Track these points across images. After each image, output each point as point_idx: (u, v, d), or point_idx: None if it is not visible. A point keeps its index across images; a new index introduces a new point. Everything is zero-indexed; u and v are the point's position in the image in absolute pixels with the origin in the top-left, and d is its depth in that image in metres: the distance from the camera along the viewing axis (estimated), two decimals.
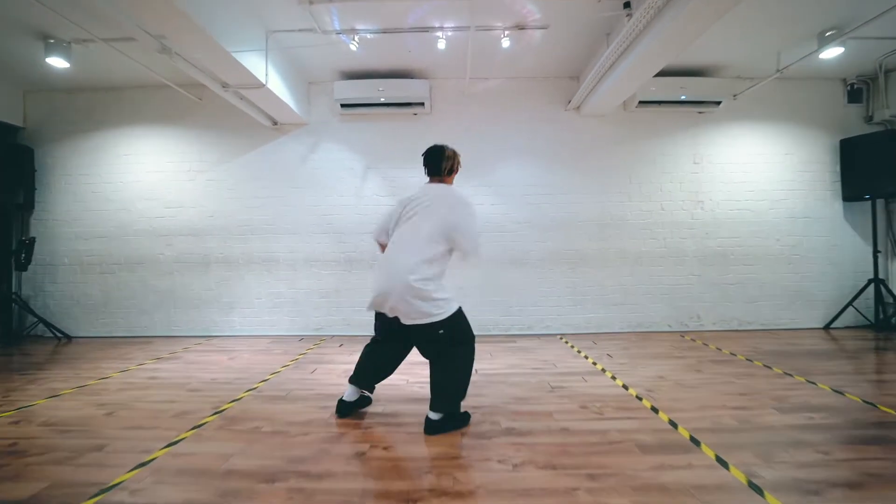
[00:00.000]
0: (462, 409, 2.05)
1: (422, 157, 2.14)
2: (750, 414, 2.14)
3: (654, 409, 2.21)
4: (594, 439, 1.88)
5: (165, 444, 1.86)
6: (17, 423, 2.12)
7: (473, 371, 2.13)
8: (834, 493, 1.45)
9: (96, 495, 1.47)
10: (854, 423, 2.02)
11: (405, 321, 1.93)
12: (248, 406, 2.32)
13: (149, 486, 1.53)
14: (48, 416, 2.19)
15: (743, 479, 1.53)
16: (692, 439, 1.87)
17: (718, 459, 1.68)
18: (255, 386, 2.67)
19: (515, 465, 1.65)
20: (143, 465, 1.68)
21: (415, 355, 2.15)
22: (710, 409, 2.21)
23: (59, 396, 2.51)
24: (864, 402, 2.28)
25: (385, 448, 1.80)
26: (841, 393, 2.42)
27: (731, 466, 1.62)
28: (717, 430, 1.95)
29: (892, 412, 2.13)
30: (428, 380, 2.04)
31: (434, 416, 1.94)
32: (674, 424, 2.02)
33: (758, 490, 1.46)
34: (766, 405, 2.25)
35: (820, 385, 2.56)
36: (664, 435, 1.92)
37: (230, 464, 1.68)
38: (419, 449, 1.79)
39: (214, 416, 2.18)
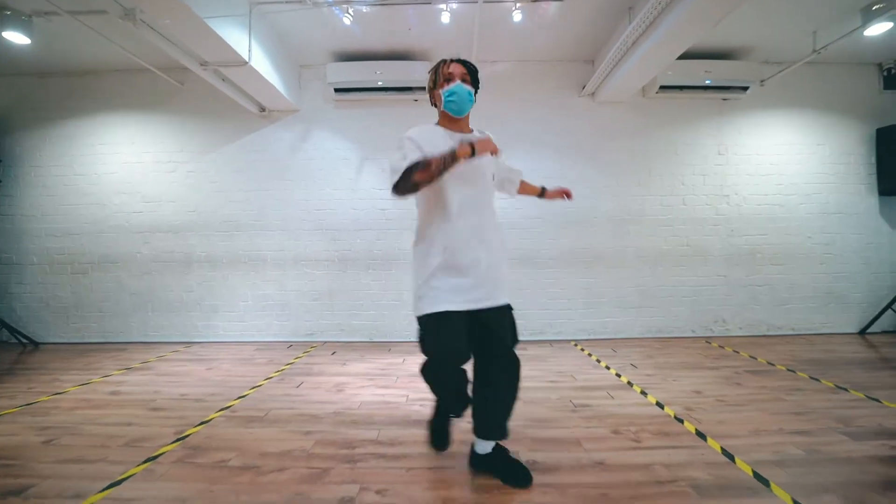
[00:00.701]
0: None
1: None
2: (816, 441, 1.79)
3: (701, 435, 1.86)
4: (637, 477, 1.52)
5: (107, 483, 1.50)
6: None
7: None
8: None
9: None
10: None
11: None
12: (216, 430, 1.95)
13: None
14: None
15: None
16: (756, 476, 1.52)
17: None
18: (230, 404, 2.30)
19: None
20: None
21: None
22: (766, 435, 1.86)
23: None
24: None
25: (378, 491, 1.44)
26: None
27: None
28: (783, 464, 1.60)
29: None
30: (429, 398, 1.67)
31: (488, 447, 1.52)
32: (730, 456, 1.67)
33: None
34: (831, 428, 1.90)
35: (885, 402, 2.21)
36: (721, 470, 1.56)
37: None
38: (422, 493, 1.44)
39: (175, 443, 1.82)
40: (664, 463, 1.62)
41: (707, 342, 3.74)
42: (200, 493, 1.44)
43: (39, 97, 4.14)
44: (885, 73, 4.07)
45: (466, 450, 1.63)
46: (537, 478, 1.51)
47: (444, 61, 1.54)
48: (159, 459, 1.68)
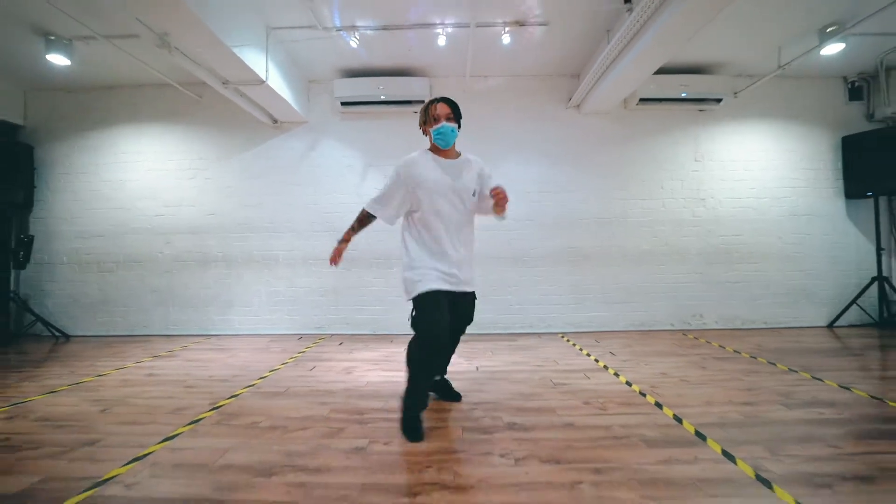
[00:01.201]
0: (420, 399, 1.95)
1: None
2: (756, 409, 2.11)
3: (659, 405, 2.18)
4: (598, 434, 1.84)
5: (161, 438, 1.83)
6: (10, 418, 2.09)
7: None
8: (845, 487, 1.41)
9: (89, 489, 1.44)
10: (864, 418, 1.98)
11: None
12: (245, 402, 2.28)
13: (144, 479, 1.50)
14: (43, 412, 2.16)
15: (750, 473, 1.50)
16: (698, 434, 1.83)
17: (725, 453, 1.64)
18: (254, 383, 2.63)
19: (518, 460, 1.61)
20: (137, 459, 1.65)
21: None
22: (716, 405, 2.17)
23: (54, 393, 2.47)
24: (873, 397, 2.24)
25: (385, 443, 1.77)
26: (848, 389, 2.38)
27: (738, 460, 1.59)
28: (723, 425, 1.92)
29: None
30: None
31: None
32: (678, 419, 1.99)
33: (766, 483, 1.43)
34: (773, 401, 2.22)
35: (827, 381, 2.52)
36: (669, 430, 1.88)
37: (227, 458, 1.65)
38: (420, 444, 1.76)
39: (212, 411, 2.15)
40: (622, 424, 1.94)
41: (684, 334, 4.05)
42: (240, 444, 1.77)
43: (69, 110, 4.50)
44: (849, 86, 4.40)
45: (455, 415, 1.95)
46: (515, 434, 1.83)
47: (433, 102, 1.91)
48: (201, 422, 2.01)
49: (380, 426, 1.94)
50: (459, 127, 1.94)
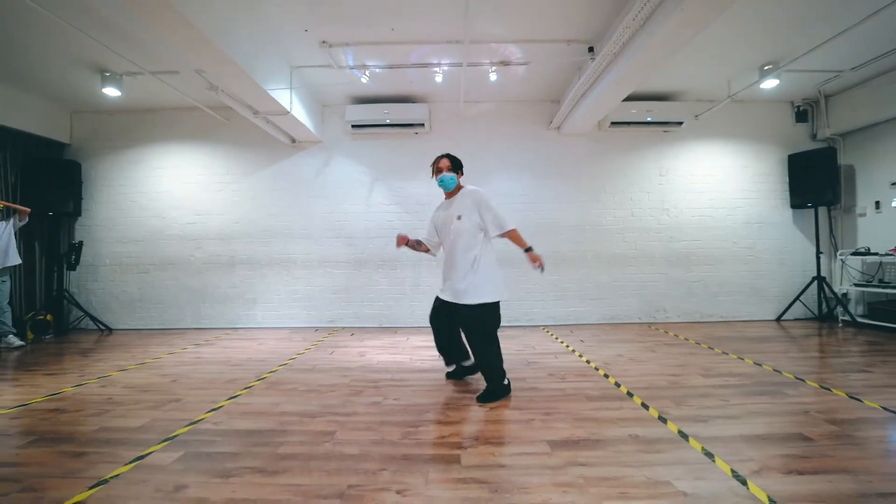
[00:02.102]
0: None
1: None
2: (679, 378, 2.73)
3: (606, 376, 2.80)
4: (554, 393, 2.46)
5: (227, 397, 2.44)
6: (104, 386, 2.70)
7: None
8: (717, 422, 2.03)
9: (188, 425, 2.05)
10: (758, 383, 2.60)
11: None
12: (283, 375, 2.89)
13: (224, 420, 2.11)
14: (127, 382, 2.77)
15: (655, 415, 2.12)
16: (628, 394, 2.45)
17: (643, 405, 2.26)
18: (286, 362, 3.25)
19: (492, 408, 2.23)
20: (214, 409, 2.26)
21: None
22: (650, 377, 2.79)
23: (126, 370, 3.08)
24: (774, 370, 2.86)
25: (395, 399, 2.38)
26: (760, 365, 3.00)
27: (650, 408, 2.21)
28: (649, 388, 2.54)
29: (791, 376, 2.71)
30: (428, 358, 2.62)
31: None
32: (618, 385, 2.61)
33: (664, 420, 2.05)
34: (695, 373, 2.84)
35: (746, 360, 3.15)
36: (607, 391, 2.50)
37: (281, 408, 2.26)
38: (422, 399, 2.38)
39: (259, 381, 2.76)
40: (573, 388, 2.56)
41: (649, 326, 4.68)
42: (287, 399, 2.38)
43: (110, 130, 5.11)
44: (796, 110, 5.04)
45: (448, 384, 2.58)
46: None
47: (437, 158, 2.52)
48: (253, 388, 2.62)
49: (391, 389, 2.56)
50: (461, 174, 2.53)
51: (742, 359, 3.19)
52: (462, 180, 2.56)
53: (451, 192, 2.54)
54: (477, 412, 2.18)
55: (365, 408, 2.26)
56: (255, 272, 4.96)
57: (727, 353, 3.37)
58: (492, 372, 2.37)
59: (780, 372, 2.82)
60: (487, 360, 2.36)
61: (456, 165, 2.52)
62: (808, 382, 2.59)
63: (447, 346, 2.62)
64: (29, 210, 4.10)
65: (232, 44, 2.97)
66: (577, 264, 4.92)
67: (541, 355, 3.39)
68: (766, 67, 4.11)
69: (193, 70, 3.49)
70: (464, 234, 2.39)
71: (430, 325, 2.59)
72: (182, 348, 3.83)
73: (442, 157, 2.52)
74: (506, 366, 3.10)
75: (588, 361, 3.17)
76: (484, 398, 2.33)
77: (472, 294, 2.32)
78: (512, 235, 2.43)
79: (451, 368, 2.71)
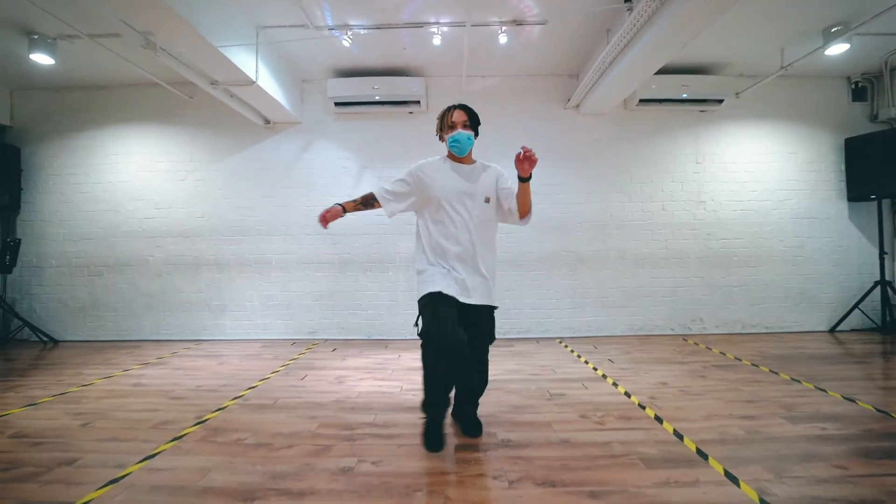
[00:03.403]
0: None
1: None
2: (758, 424, 2.04)
3: (658, 419, 2.11)
4: (596, 452, 1.77)
5: (141, 457, 1.75)
6: None
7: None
8: None
9: None
10: (869, 434, 1.92)
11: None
12: (232, 416, 2.21)
13: None
14: (21, 427, 2.08)
15: (754, 497, 1.43)
16: (699, 452, 1.77)
17: (727, 474, 1.58)
18: (242, 394, 2.56)
19: (512, 482, 1.54)
20: (115, 481, 1.57)
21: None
22: (717, 419, 2.11)
23: (35, 405, 2.40)
24: (878, 410, 2.18)
25: (374, 463, 1.70)
26: (853, 401, 2.32)
27: (741, 482, 1.52)
28: (724, 442, 1.85)
29: None
30: (419, 388, 1.92)
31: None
32: (679, 436, 1.92)
33: None
34: (775, 414, 2.15)
35: (830, 392, 2.46)
36: (669, 447, 1.82)
37: (208, 479, 1.58)
38: (411, 463, 1.69)
39: (196, 426, 2.07)
40: (621, 441, 1.87)
41: (684, 339, 3.99)
42: (222, 463, 1.70)
43: (56, 110, 4.40)
44: (853, 86, 4.32)
45: (447, 430, 1.88)
46: (509, 451, 1.77)
47: (449, 109, 1.87)
48: (184, 439, 1.93)
49: (369, 444, 1.87)
50: (477, 135, 1.90)
51: (823, 390, 2.50)
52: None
53: (465, 158, 1.90)
54: (491, 490, 1.50)
55: (328, 481, 1.57)
56: (223, 275, 4.27)
57: (798, 381, 2.69)
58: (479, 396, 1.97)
59: (888, 414, 2.13)
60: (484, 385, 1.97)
61: (475, 121, 1.89)
62: None
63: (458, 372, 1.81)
64: None
65: None
66: (598, 266, 4.23)
67: (565, 383, 2.70)
68: (833, 29, 3.39)
69: (125, 24, 2.78)
70: (491, 223, 1.93)
71: (438, 351, 1.69)
72: (124, 370, 3.15)
73: (455, 107, 1.87)
74: (523, 399, 2.44)
75: (627, 394, 2.48)
76: (477, 427, 1.90)
77: (491, 290, 1.88)
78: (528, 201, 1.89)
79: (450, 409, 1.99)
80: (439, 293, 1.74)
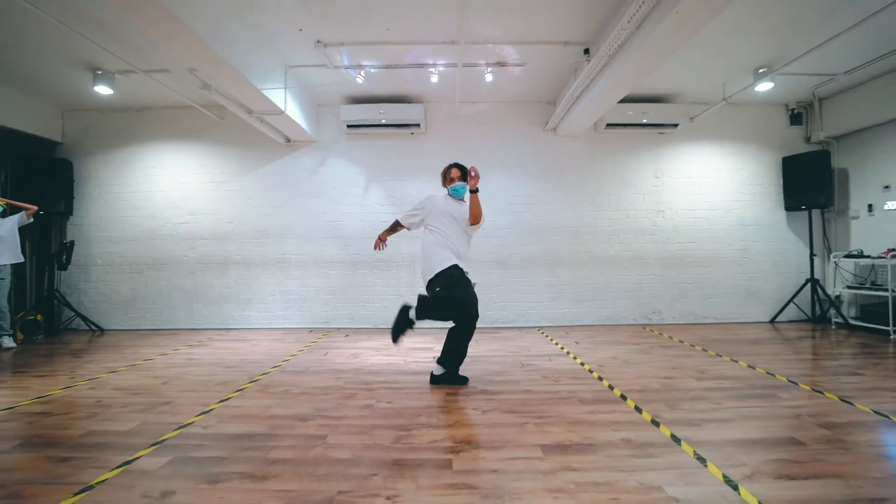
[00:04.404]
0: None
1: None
2: (673, 381, 2.73)
3: (600, 378, 2.79)
4: (547, 396, 2.45)
5: (218, 400, 2.42)
6: (93, 388, 2.66)
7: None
8: (710, 426, 2.03)
9: (178, 429, 2.02)
10: (750, 386, 2.61)
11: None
12: (275, 378, 2.87)
13: (215, 423, 2.09)
14: (117, 384, 2.74)
15: (648, 418, 2.11)
16: (622, 396, 2.45)
17: (636, 408, 2.26)
18: (279, 364, 3.22)
19: (485, 412, 2.22)
20: (205, 412, 2.23)
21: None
22: (644, 380, 2.79)
23: (116, 372, 3.05)
24: (767, 373, 2.87)
25: (388, 402, 2.37)
26: (753, 368, 3.01)
27: (643, 412, 2.20)
28: (642, 391, 2.54)
29: (785, 379, 2.72)
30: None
31: (437, 370, 2.70)
32: (611, 388, 2.61)
33: (656, 424, 2.04)
34: (689, 375, 2.84)
35: (740, 362, 3.16)
36: (601, 394, 2.50)
37: (272, 411, 2.24)
38: (415, 402, 2.36)
39: (251, 383, 2.73)
40: (567, 391, 2.55)
41: (644, 328, 4.68)
42: (279, 403, 2.36)
43: (102, 128, 5.05)
44: (790, 112, 5.06)
45: (442, 388, 2.57)
46: (485, 396, 2.44)
47: (449, 167, 2.77)
48: (244, 391, 2.59)
49: (384, 392, 2.54)
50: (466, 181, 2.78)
51: (736, 361, 3.20)
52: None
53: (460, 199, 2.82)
54: (470, 415, 2.17)
55: (357, 411, 2.24)
56: (249, 272, 4.93)
57: (721, 356, 3.38)
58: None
59: (773, 375, 2.83)
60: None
61: (465, 174, 2.78)
62: (801, 385, 2.59)
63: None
64: (35, 208, 4.02)
65: (225, 43, 2.95)
66: (572, 265, 4.92)
67: (535, 357, 3.38)
68: (760, 70, 4.12)
69: (186, 69, 3.45)
70: (468, 234, 2.84)
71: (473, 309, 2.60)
72: (174, 349, 3.80)
73: (453, 166, 2.78)
74: (500, 367, 3.11)
75: (582, 364, 3.17)
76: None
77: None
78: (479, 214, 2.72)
79: (439, 372, 2.72)
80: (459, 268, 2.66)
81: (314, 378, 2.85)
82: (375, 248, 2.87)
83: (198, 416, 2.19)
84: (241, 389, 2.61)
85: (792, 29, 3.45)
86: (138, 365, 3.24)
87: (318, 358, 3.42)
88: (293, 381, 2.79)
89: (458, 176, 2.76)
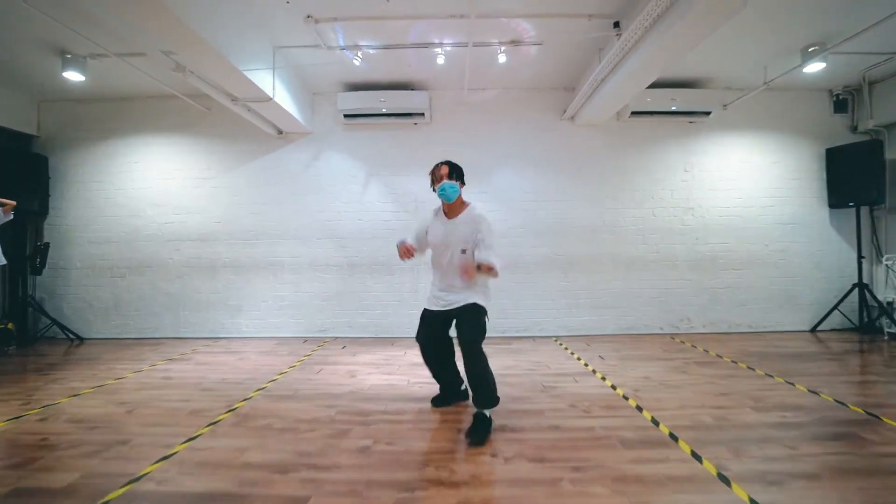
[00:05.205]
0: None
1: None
2: (727, 412, 2.29)
3: (639, 408, 2.37)
4: (580, 435, 2.03)
5: (185, 439, 2.02)
6: (44, 419, 2.28)
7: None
8: (794, 484, 1.60)
9: (126, 485, 1.63)
10: (822, 420, 2.17)
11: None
12: (258, 404, 2.47)
13: (173, 476, 1.69)
14: (73, 414, 2.35)
15: (713, 471, 1.68)
16: (671, 435, 2.02)
17: (693, 454, 1.83)
18: (264, 386, 2.82)
19: (507, 459, 1.80)
20: (166, 458, 1.84)
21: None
22: (691, 408, 2.36)
23: (80, 395, 2.67)
24: (836, 401, 2.43)
25: (388, 443, 1.96)
26: (816, 393, 2.57)
27: (704, 460, 1.77)
28: (695, 428, 2.11)
29: (861, 411, 2.28)
30: (427, 381, 2.20)
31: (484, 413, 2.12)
32: (655, 422, 2.18)
33: (725, 481, 1.62)
34: (744, 404, 2.41)
35: (797, 385, 2.71)
36: (645, 432, 2.07)
37: (246, 457, 1.84)
38: (420, 444, 1.95)
39: (228, 413, 2.34)
40: (604, 426, 2.13)
41: (672, 338, 4.24)
42: (256, 444, 1.96)
43: (81, 120, 4.66)
44: (834, 99, 4.56)
45: (452, 417, 2.14)
46: (506, 434, 2.03)
47: (437, 166, 2.22)
48: (219, 424, 2.20)
49: (382, 427, 2.13)
50: (463, 184, 2.26)
51: (791, 384, 2.75)
52: (464, 188, 2.28)
53: (453, 204, 2.23)
54: (488, 465, 1.75)
55: (350, 457, 1.83)
56: (238, 276, 4.53)
57: (771, 376, 2.94)
58: (486, 379, 2.04)
59: (844, 404, 2.38)
60: (482, 367, 2.04)
61: (458, 173, 2.23)
62: (886, 421, 2.15)
63: (438, 361, 2.33)
64: (14, 203, 3.60)
65: (202, 19, 2.53)
66: (590, 269, 4.48)
67: (557, 377, 2.96)
68: (811, 49, 3.63)
69: (160, 51, 3.04)
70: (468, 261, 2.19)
71: (418, 344, 2.27)
72: (152, 364, 3.41)
73: (441, 164, 2.24)
74: (519, 391, 2.69)
75: (613, 387, 2.74)
76: (478, 434, 1.96)
77: (472, 297, 2.19)
78: (492, 274, 2.06)
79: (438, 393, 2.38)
80: (425, 309, 2.29)
81: (302, 406, 2.45)
82: (402, 257, 2.18)
83: (156, 462, 1.79)
84: (215, 422, 2.21)
85: (848, 2, 2.97)
86: (107, 386, 2.86)
87: (310, 377, 3.01)
88: (277, 409, 2.39)
89: (444, 174, 2.18)
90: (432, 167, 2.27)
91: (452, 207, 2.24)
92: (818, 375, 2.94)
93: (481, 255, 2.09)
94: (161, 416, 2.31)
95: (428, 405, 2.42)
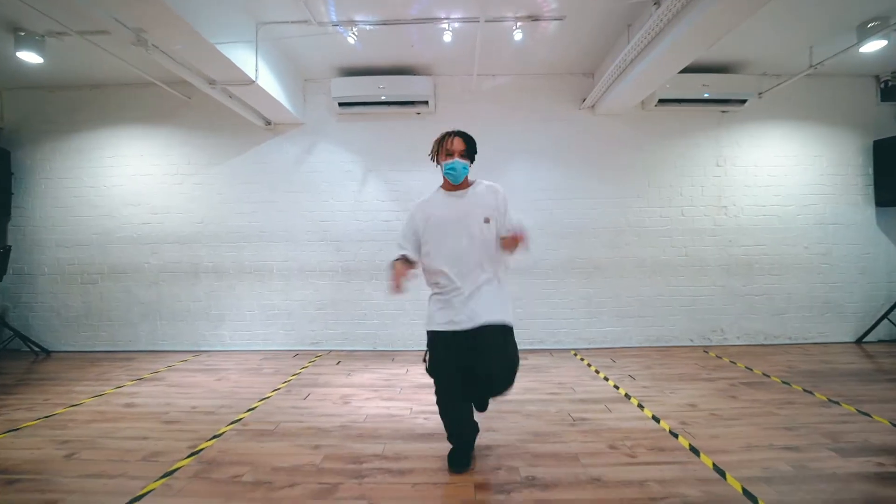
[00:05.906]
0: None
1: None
2: (804, 457, 1.86)
3: (695, 451, 1.93)
4: (631, 494, 1.59)
5: (128, 499, 1.58)
6: None
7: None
8: None
9: None
10: None
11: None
12: (229, 445, 2.04)
13: None
14: (0, 460, 1.91)
15: None
16: (745, 493, 1.59)
17: None
18: (240, 416, 2.39)
19: None
20: None
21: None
22: (757, 450, 1.93)
23: (18, 430, 2.23)
24: None
25: None
26: None
27: None
28: (771, 481, 1.67)
29: None
30: (432, 409, 1.76)
31: None
32: (720, 471, 1.74)
33: None
34: (820, 444, 1.97)
35: (875, 417, 2.28)
36: (712, 487, 1.64)
37: None
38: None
39: (189, 458, 1.90)
40: (657, 479, 1.69)
41: (705, 351, 3.80)
42: None
43: (49, 111, 4.22)
44: (882, 86, 4.11)
45: (466, 485, 1.71)
46: (535, 493, 1.59)
47: (448, 135, 1.78)
48: (176, 475, 1.76)
49: (379, 481, 1.70)
50: (473, 162, 1.85)
51: (867, 414, 2.31)
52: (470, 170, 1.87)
53: (458, 184, 1.84)
54: None
55: None
56: (222, 283, 4.09)
57: (837, 402, 2.50)
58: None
59: None
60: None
61: (472, 151, 1.82)
62: None
63: (463, 412, 1.80)
64: None
65: None
66: (613, 274, 4.04)
67: (586, 405, 2.52)
68: (870, 25, 3.19)
69: (114, 19, 2.59)
70: (489, 244, 1.79)
71: (439, 392, 1.75)
72: (117, 386, 2.98)
73: (454, 134, 1.80)
74: (544, 425, 2.25)
75: (657, 419, 2.30)
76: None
77: (501, 311, 1.73)
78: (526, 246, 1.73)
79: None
80: (435, 333, 1.76)
81: (282, 447, 2.01)
82: (395, 290, 1.83)
83: None
84: (170, 473, 1.78)
85: None
86: (55, 417, 2.42)
87: (296, 404, 2.58)
88: (251, 453, 1.95)
89: (459, 150, 1.76)
90: (440, 135, 1.82)
91: (456, 187, 1.85)
92: (892, 402, 2.50)
93: (513, 222, 1.75)
94: (106, 462, 1.88)
95: (434, 445, 1.98)
